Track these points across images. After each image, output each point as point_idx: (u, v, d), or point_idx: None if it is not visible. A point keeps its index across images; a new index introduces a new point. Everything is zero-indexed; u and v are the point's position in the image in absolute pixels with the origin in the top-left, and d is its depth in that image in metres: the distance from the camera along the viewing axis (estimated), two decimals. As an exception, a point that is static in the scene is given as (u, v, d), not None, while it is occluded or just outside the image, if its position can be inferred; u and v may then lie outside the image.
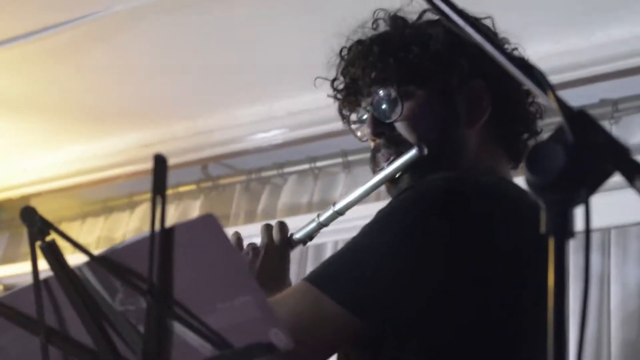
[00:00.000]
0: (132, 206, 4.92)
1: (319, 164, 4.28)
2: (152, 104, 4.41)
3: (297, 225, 3.91)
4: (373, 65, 1.92)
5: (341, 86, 2.01)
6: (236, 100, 4.30)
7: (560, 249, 0.99)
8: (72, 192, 5.04)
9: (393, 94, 1.89)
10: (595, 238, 3.25)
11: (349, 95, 2.00)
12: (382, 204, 1.74)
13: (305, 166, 4.32)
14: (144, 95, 4.33)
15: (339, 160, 4.21)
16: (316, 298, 1.66)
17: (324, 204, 4.21)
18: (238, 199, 4.56)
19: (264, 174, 4.47)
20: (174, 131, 4.55)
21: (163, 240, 1.16)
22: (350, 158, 4.18)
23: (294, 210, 4.30)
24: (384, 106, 1.91)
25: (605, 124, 3.45)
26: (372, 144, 1.99)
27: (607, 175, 1.03)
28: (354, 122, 2.06)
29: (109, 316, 1.24)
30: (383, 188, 1.98)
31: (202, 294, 1.18)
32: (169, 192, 4.66)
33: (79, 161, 4.84)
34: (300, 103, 4.15)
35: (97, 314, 1.23)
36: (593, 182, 1.02)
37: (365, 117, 1.99)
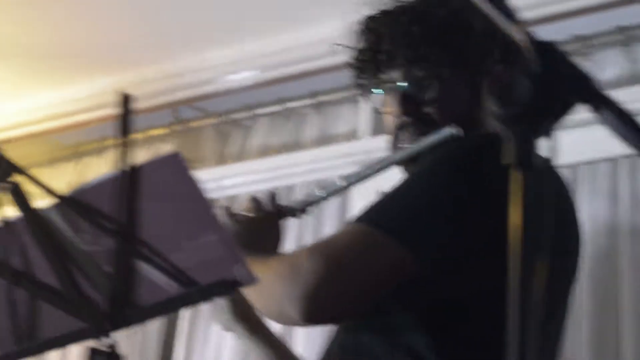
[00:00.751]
0: (102, 151, 4.89)
1: (289, 105, 4.26)
2: (122, 47, 4.37)
3: (268, 166, 3.93)
4: (414, 44, 1.89)
5: (367, 56, 1.96)
6: (206, 42, 4.27)
7: (525, 179, 0.99)
8: (42, 138, 5.01)
9: (430, 73, 1.89)
10: (565, 174, 3.25)
11: (376, 69, 1.96)
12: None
13: (276, 108, 4.30)
14: (113, 39, 4.29)
15: (310, 101, 4.19)
16: (369, 233, 1.66)
17: (295, 145, 4.21)
18: (209, 141, 4.55)
19: (235, 116, 4.45)
20: (144, 74, 4.51)
21: (129, 179, 1.15)
22: (321, 99, 4.16)
23: (265, 152, 4.30)
24: (417, 85, 1.90)
25: (577, 60, 3.47)
26: (394, 120, 1.95)
27: (572, 106, 1.03)
28: (373, 93, 2.00)
29: (75, 257, 1.23)
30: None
31: (168, 232, 1.17)
32: (140, 136, 4.64)
33: (49, 107, 4.81)
34: (271, 44, 4.13)
35: (63, 255, 1.23)
36: (558, 114, 1.02)
37: (385, 89, 1.96)
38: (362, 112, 3.91)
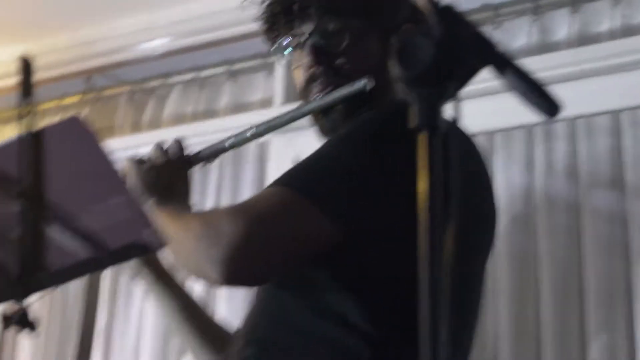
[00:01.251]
0: (10, 121, 4.81)
1: (203, 73, 4.24)
2: (33, 15, 4.31)
3: (182, 134, 3.90)
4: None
5: (278, 9, 1.96)
6: (119, 9, 4.22)
7: (430, 142, 1.00)
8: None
9: (341, 25, 1.89)
10: (480, 141, 3.29)
11: (288, 22, 1.95)
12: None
13: (190, 76, 4.28)
14: (25, 6, 4.22)
15: (224, 69, 4.18)
16: (292, 199, 1.67)
17: (209, 114, 4.20)
18: (123, 109, 4.51)
19: (149, 84, 4.42)
20: (57, 42, 4.46)
21: (32, 143, 1.14)
22: (235, 67, 4.15)
23: (179, 120, 4.28)
24: (328, 36, 1.90)
25: (487, 29, 3.50)
26: (305, 73, 1.95)
27: (475, 70, 1.04)
28: (284, 47, 2.00)
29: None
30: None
31: (76, 196, 1.17)
32: (53, 104, 4.58)
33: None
34: (184, 11, 4.10)
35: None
36: (461, 77, 1.03)
37: (296, 44, 1.96)
38: (276, 80, 3.91)
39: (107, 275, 4.16)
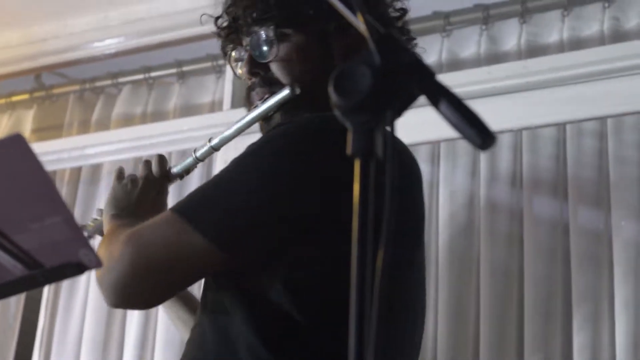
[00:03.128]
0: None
1: (153, 74, 4.23)
2: (-18, 11, 4.28)
3: (131, 136, 3.89)
4: (254, 5, 1.96)
5: (225, 24, 2.04)
6: (71, 8, 4.21)
7: (365, 169, 1.01)
8: None
9: (270, 35, 1.94)
10: (424, 150, 3.32)
11: (231, 34, 2.03)
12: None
13: (140, 76, 4.26)
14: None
15: (174, 70, 4.17)
16: (182, 228, 1.69)
17: (158, 115, 4.19)
18: (72, 108, 4.48)
19: (98, 83, 4.40)
20: (7, 39, 4.43)
21: (-28, 160, 1.14)
22: (185, 68, 4.14)
23: (128, 120, 4.26)
24: (261, 46, 1.95)
25: (437, 38, 3.53)
26: (248, 83, 2.02)
27: (413, 97, 1.05)
28: (235, 60, 2.08)
29: None
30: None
31: (13, 214, 1.16)
32: (2, 101, 4.55)
33: None
34: (135, 12, 4.10)
35: None
36: (399, 104, 1.04)
37: (243, 56, 2.03)
38: (226, 83, 3.91)
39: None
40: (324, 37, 1.95)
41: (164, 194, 2.13)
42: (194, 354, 1.79)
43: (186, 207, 1.74)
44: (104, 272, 1.72)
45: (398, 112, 1.04)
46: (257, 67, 1.97)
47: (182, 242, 1.69)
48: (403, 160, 1.85)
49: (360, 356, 0.97)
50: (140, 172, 2.11)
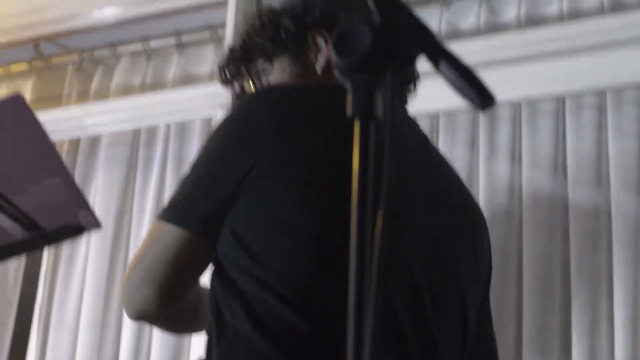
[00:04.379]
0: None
1: (152, 43, 4.22)
2: (-20, -20, 4.26)
3: (130, 106, 3.89)
4: (227, 64, 2.16)
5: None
6: (69, -24, 4.19)
7: (365, 130, 1.01)
8: None
9: (244, 79, 2.10)
10: (423, 123, 3.31)
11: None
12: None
13: (139, 46, 4.25)
14: (-28, -29, 4.17)
15: (173, 40, 4.15)
16: (159, 227, 1.75)
17: (156, 85, 4.17)
18: (70, 78, 4.47)
19: (97, 53, 4.38)
20: (5, 8, 4.40)
21: (-30, 121, 1.13)
22: (184, 38, 4.12)
23: (127, 90, 4.24)
24: (243, 91, 2.11)
25: (437, 9, 3.51)
26: None
27: (413, 58, 1.05)
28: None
29: None
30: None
31: (12, 175, 1.16)
32: (0, 71, 4.53)
33: None
34: (134, -20, 4.08)
35: None
36: (399, 65, 1.03)
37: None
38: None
39: (47, 254, 4.15)
40: (295, 54, 2.06)
41: None
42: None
43: (161, 209, 1.80)
44: (122, 294, 1.79)
45: (398, 73, 1.04)
46: None
47: (163, 239, 1.73)
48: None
49: (360, 333, 0.97)
50: None
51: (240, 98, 2.10)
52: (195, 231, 1.72)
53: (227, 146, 1.75)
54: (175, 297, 1.83)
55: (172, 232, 1.72)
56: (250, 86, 2.08)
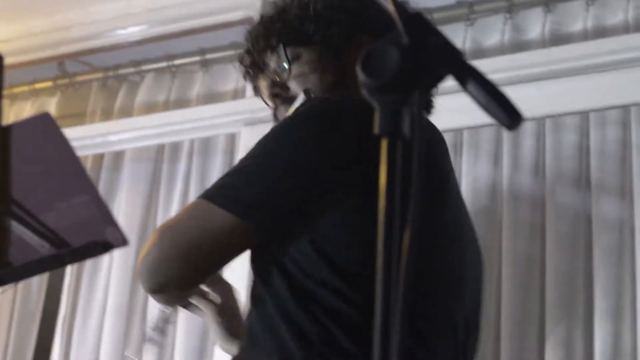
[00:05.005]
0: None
1: (176, 62, 4.23)
2: (7, -1, 4.29)
3: (154, 123, 3.90)
4: (261, 35, 2.07)
5: (246, 59, 2.14)
6: (93, -5, 4.22)
7: (392, 149, 1.01)
8: None
9: (281, 56, 2.02)
10: (447, 138, 3.30)
11: (251, 68, 2.13)
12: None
13: (163, 64, 4.27)
14: (-1, -11, 4.21)
15: (197, 58, 4.17)
16: (208, 209, 1.73)
17: (180, 103, 4.19)
18: (95, 96, 4.49)
19: (121, 71, 4.40)
20: (31, 27, 4.44)
21: (1, 138, 1.14)
22: (208, 56, 4.14)
23: (151, 108, 4.26)
24: (277, 70, 2.03)
25: (461, 26, 3.52)
26: (270, 105, 2.09)
27: (440, 77, 1.05)
28: (257, 88, 2.16)
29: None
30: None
31: (41, 193, 1.17)
32: (26, 88, 4.57)
33: None
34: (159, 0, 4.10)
35: None
36: (426, 84, 1.04)
37: (254, 74, 2.13)
38: (249, 71, 3.90)
39: (70, 268, 4.17)
40: (334, 49, 2.02)
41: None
42: (245, 345, 1.84)
43: (211, 190, 1.77)
44: (140, 261, 1.76)
45: (425, 92, 1.04)
46: (275, 89, 2.03)
47: (208, 221, 1.72)
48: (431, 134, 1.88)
49: (387, 333, 0.97)
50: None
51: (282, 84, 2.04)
52: (259, 226, 1.73)
53: (309, 152, 1.73)
54: (201, 282, 1.88)
55: (228, 220, 1.71)
56: (285, 66, 2.02)
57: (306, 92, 1.95)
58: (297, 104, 1.95)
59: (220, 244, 1.74)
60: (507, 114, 1.00)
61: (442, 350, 1.80)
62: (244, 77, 2.18)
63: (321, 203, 1.71)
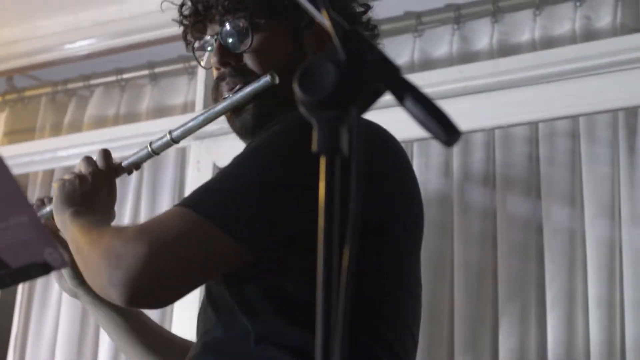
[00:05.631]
0: None
1: (125, 75, 4.21)
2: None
3: (104, 138, 3.87)
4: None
5: (188, 12, 1.97)
6: (42, 10, 4.18)
7: (331, 166, 1.00)
8: None
9: (244, 24, 1.90)
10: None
11: (197, 22, 1.96)
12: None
13: (112, 78, 4.24)
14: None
15: (146, 72, 4.16)
16: (199, 224, 1.64)
17: (130, 117, 4.17)
18: (44, 111, 4.46)
19: (70, 85, 4.37)
20: (-23, 42, 4.41)
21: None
22: (157, 70, 4.13)
23: (101, 122, 4.24)
24: (234, 36, 1.91)
25: (410, 37, 3.53)
26: (215, 73, 1.97)
27: (378, 93, 1.05)
28: (200, 49, 2.02)
29: None
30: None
31: (-22, 214, 1.15)
32: (-26, 104, 4.52)
33: None
34: (107, 13, 4.08)
35: None
36: (364, 101, 1.03)
37: (209, 46, 1.97)
38: (198, 84, 3.89)
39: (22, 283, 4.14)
40: (297, 29, 1.93)
41: (114, 189, 2.05)
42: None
43: (198, 202, 1.69)
44: (108, 269, 1.66)
45: (363, 109, 1.04)
46: (228, 56, 1.91)
47: (200, 238, 1.65)
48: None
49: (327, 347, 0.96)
50: (83, 169, 2.00)
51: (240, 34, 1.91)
52: (250, 247, 1.65)
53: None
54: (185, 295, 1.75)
55: (224, 242, 1.63)
56: (248, 36, 1.89)
57: (272, 76, 1.84)
58: (257, 85, 1.86)
59: (210, 261, 1.67)
60: (444, 129, 1.00)
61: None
62: (181, 23, 2.00)
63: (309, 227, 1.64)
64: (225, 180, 1.73)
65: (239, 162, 1.74)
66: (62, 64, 4.32)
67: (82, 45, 4.21)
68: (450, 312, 3.13)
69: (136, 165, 2.08)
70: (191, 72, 4.02)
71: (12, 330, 4.11)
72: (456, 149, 3.27)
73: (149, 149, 2.03)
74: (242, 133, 1.95)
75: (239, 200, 1.68)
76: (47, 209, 2.04)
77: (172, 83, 4.14)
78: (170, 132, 2.01)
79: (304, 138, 1.59)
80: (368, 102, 1.04)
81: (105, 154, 2.05)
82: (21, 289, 4.14)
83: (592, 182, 3.03)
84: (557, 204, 3.09)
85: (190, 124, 1.99)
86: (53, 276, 2.08)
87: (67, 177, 1.99)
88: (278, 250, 1.69)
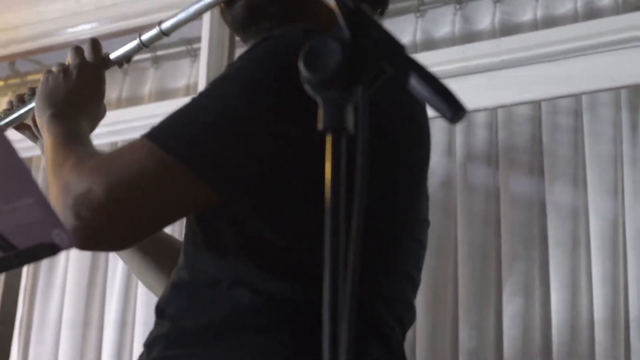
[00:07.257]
0: None
1: (128, 59, 4.21)
2: (-46, -2, 4.25)
3: (107, 121, 3.87)
4: None
5: None
6: (44, -7, 4.19)
7: (337, 144, 1.01)
8: None
9: None
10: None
11: None
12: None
13: (115, 61, 4.24)
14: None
15: (148, 55, 4.16)
16: (161, 158, 1.48)
17: (133, 100, 4.17)
18: (46, 95, 4.46)
19: (73, 69, 4.37)
20: (-20, 26, 4.41)
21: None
22: (159, 53, 4.13)
23: (104, 106, 4.24)
24: None
25: (412, 18, 3.53)
26: None
27: (383, 72, 1.05)
28: None
29: None
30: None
31: (-15, 196, 1.16)
32: (-24, 89, 4.53)
33: None
34: (108, -3, 4.09)
35: None
36: (369, 79, 1.04)
37: None
38: (201, 67, 3.89)
39: (26, 267, 4.15)
40: None
41: (102, 82, 1.90)
42: (183, 300, 1.62)
43: (162, 134, 1.53)
44: (64, 199, 1.52)
45: (369, 87, 1.04)
46: None
47: (163, 177, 1.49)
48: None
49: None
50: (71, 60, 1.89)
51: None
52: (216, 186, 1.50)
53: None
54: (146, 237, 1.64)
55: (190, 181, 1.48)
56: None
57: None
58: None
59: (173, 199, 1.52)
60: (449, 106, 1.00)
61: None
62: None
63: (276, 161, 1.52)
64: (188, 110, 1.56)
65: (209, 91, 1.59)
66: (64, 49, 4.31)
67: (83, 29, 4.21)
68: (454, 292, 3.14)
69: (126, 58, 1.98)
70: (194, 55, 4.03)
71: (17, 315, 4.12)
72: (459, 128, 3.27)
73: (139, 41, 1.96)
74: (233, 27, 1.83)
75: (207, 135, 1.51)
76: (27, 107, 2.03)
77: (175, 66, 4.15)
78: (159, 24, 1.93)
79: (287, 64, 1.44)
80: (373, 80, 1.04)
81: (94, 44, 1.94)
82: (25, 273, 4.15)
83: (595, 160, 3.03)
84: (560, 182, 3.09)
85: (181, 15, 1.89)
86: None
87: (53, 69, 1.90)
88: (249, 191, 1.54)
